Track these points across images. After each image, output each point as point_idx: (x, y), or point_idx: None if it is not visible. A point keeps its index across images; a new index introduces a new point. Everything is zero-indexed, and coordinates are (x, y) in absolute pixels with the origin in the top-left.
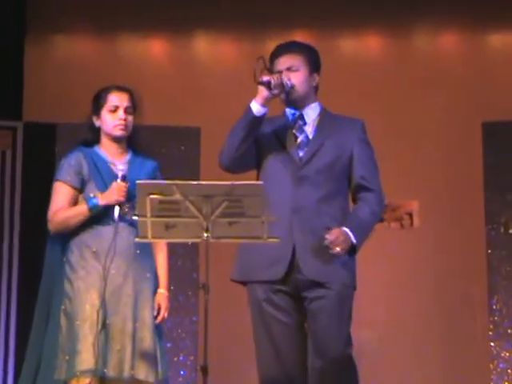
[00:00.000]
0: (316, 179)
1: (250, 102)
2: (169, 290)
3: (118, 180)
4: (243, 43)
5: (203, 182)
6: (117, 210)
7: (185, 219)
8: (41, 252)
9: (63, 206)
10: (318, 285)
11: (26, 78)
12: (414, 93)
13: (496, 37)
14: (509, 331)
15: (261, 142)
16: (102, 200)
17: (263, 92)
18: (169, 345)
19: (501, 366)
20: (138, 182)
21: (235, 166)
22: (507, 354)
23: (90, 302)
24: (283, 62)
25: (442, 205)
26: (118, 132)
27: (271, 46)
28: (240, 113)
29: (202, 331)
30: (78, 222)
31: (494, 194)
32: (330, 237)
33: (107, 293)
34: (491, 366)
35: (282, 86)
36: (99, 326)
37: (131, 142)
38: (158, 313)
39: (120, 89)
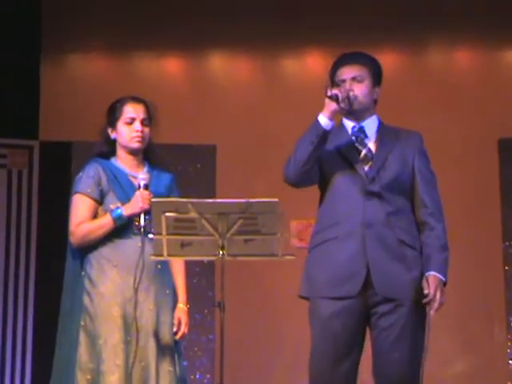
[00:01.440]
0: (384, 194)
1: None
2: (187, 305)
3: (141, 189)
4: (257, 61)
5: (218, 200)
6: (142, 218)
7: (200, 237)
8: (58, 270)
9: (86, 219)
10: (389, 301)
11: (41, 98)
12: (429, 110)
13: (511, 53)
14: None
15: (322, 156)
16: (126, 210)
17: (331, 105)
18: (185, 363)
19: None
20: (152, 200)
21: (301, 181)
22: None
23: (112, 319)
24: (349, 72)
25: (460, 222)
26: (135, 144)
27: (284, 63)
28: (255, 130)
29: (219, 349)
30: (102, 234)
31: (511, 210)
32: (430, 293)
33: (130, 308)
34: (509, 383)
35: (348, 99)
36: (123, 345)
37: (147, 154)
38: (179, 328)
39: (136, 100)
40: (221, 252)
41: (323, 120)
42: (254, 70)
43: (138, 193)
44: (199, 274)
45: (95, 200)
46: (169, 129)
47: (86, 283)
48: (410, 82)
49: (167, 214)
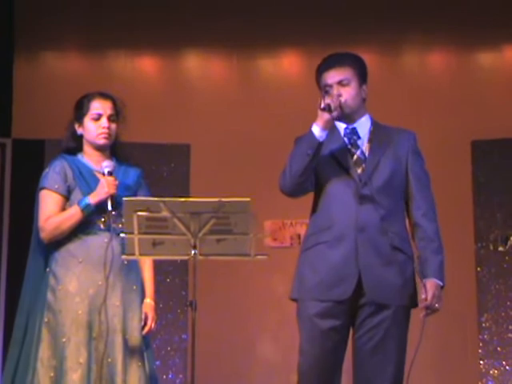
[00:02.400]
0: (377, 197)
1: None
2: (155, 300)
3: (106, 175)
4: (232, 60)
5: (190, 199)
6: (109, 204)
7: (172, 236)
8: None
9: (54, 213)
10: (377, 304)
11: (14, 95)
12: (402, 111)
13: (484, 55)
14: (498, 349)
15: (318, 163)
16: (93, 198)
17: (324, 116)
18: (158, 363)
19: (490, 383)
20: (124, 198)
21: (297, 192)
22: (496, 372)
23: (75, 317)
24: (334, 76)
25: None
26: (102, 141)
27: (260, 62)
28: (229, 129)
29: (190, 349)
30: (71, 225)
31: (484, 212)
32: (428, 298)
33: (95, 304)
34: (480, 383)
35: (340, 106)
36: (86, 341)
37: (115, 150)
38: (145, 323)
39: (103, 96)
40: (193, 251)
41: (317, 131)
42: (229, 69)
43: (102, 179)
44: (172, 273)
45: (63, 195)
46: (143, 128)
47: (51, 280)
48: (383, 83)
49: (139, 213)
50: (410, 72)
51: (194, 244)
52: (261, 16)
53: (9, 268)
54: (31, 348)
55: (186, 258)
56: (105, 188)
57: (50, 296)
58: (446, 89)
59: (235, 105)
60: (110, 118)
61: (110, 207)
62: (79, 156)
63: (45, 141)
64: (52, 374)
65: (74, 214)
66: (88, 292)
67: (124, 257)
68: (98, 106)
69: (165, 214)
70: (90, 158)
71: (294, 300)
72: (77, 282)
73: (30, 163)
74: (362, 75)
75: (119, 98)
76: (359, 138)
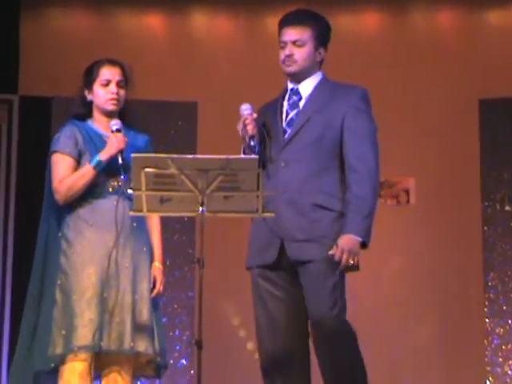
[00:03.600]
0: (300, 157)
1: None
2: (164, 264)
3: (114, 132)
4: (240, 18)
5: (198, 156)
6: (120, 159)
7: (180, 193)
8: (36, 226)
9: (67, 175)
10: (305, 262)
11: (21, 52)
12: (411, 69)
13: (493, 13)
14: (504, 307)
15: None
16: (103, 155)
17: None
18: (164, 320)
19: (495, 342)
20: (132, 155)
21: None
22: (501, 330)
23: (87, 276)
24: (290, 34)
25: (439, 182)
26: (110, 106)
27: (267, 21)
28: (236, 87)
29: (197, 306)
30: (84, 184)
31: (491, 171)
32: (336, 254)
33: (106, 265)
34: (486, 342)
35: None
36: (96, 300)
37: (123, 115)
38: (154, 286)
39: (112, 62)
40: (200, 208)
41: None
42: (237, 27)
43: (111, 135)
44: (179, 231)
45: (74, 158)
46: (149, 85)
47: (63, 244)
48: (391, 42)
49: (147, 169)
50: (418, 30)
51: (202, 201)
52: None
53: (16, 227)
54: (48, 310)
55: (193, 214)
56: (114, 143)
57: (62, 259)
58: (453, 47)
59: (242, 63)
60: (118, 84)
61: (120, 161)
62: (89, 122)
63: (52, 98)
64: (64, 332)
65: (86, 172)
66: (99, 253)
67: (131, 213)
68: (107, 73)
69: (172, 170)
70: (99, 124)
71: (247, 269)
72: (88, 245)
73: (37, 120)
74: (320, 37)
75: (128, 63)
76: (300, 98)
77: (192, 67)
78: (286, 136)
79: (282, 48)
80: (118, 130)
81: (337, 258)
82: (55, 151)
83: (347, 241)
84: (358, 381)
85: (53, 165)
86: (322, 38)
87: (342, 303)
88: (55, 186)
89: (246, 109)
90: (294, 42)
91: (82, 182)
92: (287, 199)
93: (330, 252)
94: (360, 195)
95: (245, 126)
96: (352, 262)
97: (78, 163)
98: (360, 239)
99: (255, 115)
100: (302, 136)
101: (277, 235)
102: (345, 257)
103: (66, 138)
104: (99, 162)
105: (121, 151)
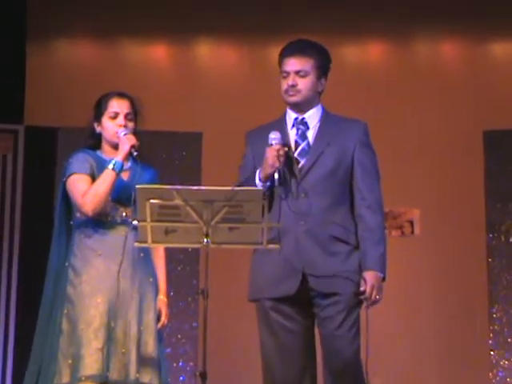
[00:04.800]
0: (318, 189)
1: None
2: (168, 296)
3: (122, 134)
4: (244, 48)
5: (203, 187)
6: (135, 152)
7: (185, 224)
8: (41, 256)
9: (89, 189)
10: (327, 295)
11: (27, 82)
12: (415, 100)
13: (497, 45)
14: (509, 340)
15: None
16: (118, 156)
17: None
18: (168, 350)
19: (500, 374)
20: (137, 186)
21: None
22: (506, 363)
23: (94, 305)
24: (293, 64)
25: (444, 213)
26: (117, 139)
27: (271, 51)
28: (241, 118)
29: (201, 337)
30: (107, 188)
31: (496, 202)
32: (367, 289)
33: (113, 295)
34: (490, 374)
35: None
36: (104, 330)
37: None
38: (159, 319)
39: (120, 95)
40: (205, 240)
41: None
42: (241, 57)
43: (121, 137)
44: (183, 262)
45: (92, 177)
46: (154, 115)
47: (70, 273)
48: (395, 72)
49: (152, 200)
50: (422, 61)
51: (207, 232)
52: (272, 4)
53: (21, 258)
54: (55, 339)
55: (198, 246)
56: (126, 142)
57: (69, 289)
58: (458, 79)
59: (247, 93)
60: (127, 117)
61: (135, 153)
62: (98, 152)
63: (58, 128)
64: (70, 361)
65: (106, 176)
66: (106, 283)
67: (136, 244)
68: (116, 105)
69: (177, 202)
70: (108, 155)
71: (251, 301)
72: (96, 274)
73: (43, 150)
74: (322, 68)
75: (136, 97)
76: (308, 128)
77: (197, 98)
78: (301, 166)
79: (285, 78)
80: (125, 134)
81: (368, 294)
82: (72, 173)
83: (373, 277)
84: None
85: (71, 186)
86: (324, 68)
87: (359, 338)
88: (79, 202)
89: (275, 138)
90: (297, 72)
91: (104, 185)
92: (306, 230)
93: (362, 289)
94: (376, 230)
95: (279, 156)
96: (378, 298)
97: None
98: (382, 275)
99: (287, 148)
100: (317, 168)
101: (297, 266)
102: (374, 293)
103: (79, 162)
104: (116, 163)
105: (133, 147)
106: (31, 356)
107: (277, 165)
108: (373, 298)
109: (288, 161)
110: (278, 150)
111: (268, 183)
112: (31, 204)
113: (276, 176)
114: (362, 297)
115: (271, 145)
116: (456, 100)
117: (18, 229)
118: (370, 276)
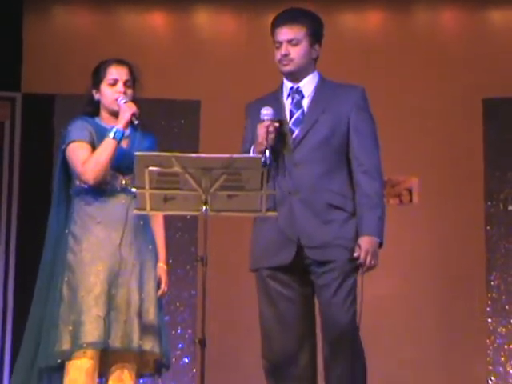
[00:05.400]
0: (312, 157)
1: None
2: (167, 263)
3: (122, 102)
4: (243, 16)
5: (202, 155)
6: (135, 120)
7: (184, 192)
8: (40, 222)
9: (89, 157)
10: (322, 263)
11: (24, 49)
12: (414, 68)
13: (496, 13)
14: (506, 307)
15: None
16: (119, 124)
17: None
18: (167, 318)
19: (498, 341)
20: (136, 153)
21: None
22: (504, 330)
23: (94, 273)
24: (284, 33)
25: (442, 182)
26: (117, 106)
27: (269, 19)
28: (239, 86)
29: (200, 304)
30: (108, 156)
31: (494, 171)
32: (361, 255)
33: (113, 263)
34: (488, 341)
35: (267, 144)
36: (104, 297)
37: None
38: (158, 286)
39: (119, 62)
40: (204, 207)
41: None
42: (240, 25)
43: (121, 104)
44: (181, 229)
45: (92, 145)
46: (153, 83)
47: (70, 240)
48: (394, 40)
49: (151, 168)
50: (422, 29)
51: (206, 200)
52: None
53: (19, 226)
54: (55, 307)
55: (197, 213)
56: (126, 109)
57: (70, 256)
58: (457, 46)
59: (245, 61)
60: (125, 84)
61: (136, 122)
62: (96, 119)
63: (55, 95)
64: (71, 328)
65: (107, 145)
66: (107, 251)
67: (135, 211)
68: (114, 72)
69: (176, 169)
70: (106, 123)
71: (252, 271)
72: (96, 242)
73: (40, 118)
74: (314, 35)
75: (135, 64)
76: (303, 97)
77: (195, 65)
78: (295, 136)
79: (278, 48)
80: (126, 102)
81: (362, 259)
82: (71, 141)
83: (368, 242)
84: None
85: (71, 154)
86: (317, 34)
87: (356, 304)
88: (80, 170)
89: (267, 114)
90: (289, 41)
91: (105, 154)
92: (301, 199)
93: (356, 254)
94: (372, 195)
95: (268, 133)
96: (373, 263)
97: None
98: (378, 240)
99: (277, 124)
100: (311, 137)
101: (291, 236)
102: (369, 258)
103: (78, 129)
104: (117, 131)
105: (134, 115)
106: (28, 324)
107: (265, 143)
108: (367, 263)
109: (280, 136)
110: (267, 127)
111: (267, 154)
112: (29, 170)
113: (267, 154)
114: (358, 262)
115: (263, 120)
116: (455, 67)
117: (16, 195)
118: (364, 241)
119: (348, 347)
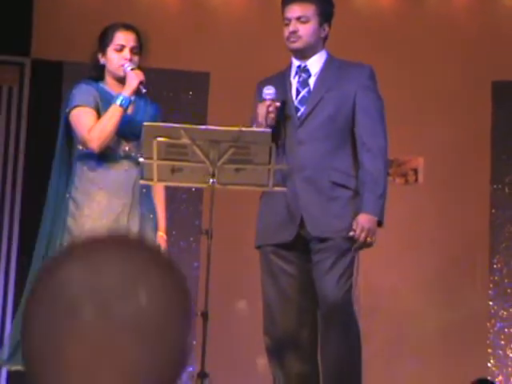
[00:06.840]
0: (316, 135)
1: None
2: (168, 233)
3: (129, 68)
4: None
5: (211, 127)
6: (143, 89)
7: (191, 164)
8: (45, 188)
9: (94, 123)
10: (322, 240)
11: (35, 14)
12: (424, 49)
13: None
14: (508, 291)
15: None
16: (125, 91)
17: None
18: None
19: (498, 324)
20: (144, 123)
21: None
22: (505, 313)
23: None
24: (294, 11)
25: (448, 162)
26: (123, 72)
27: None
28: (249, 59)
29: (203, 276)
30: (114, 123)
31: (501, 153)
32: (356, 232)
33: (114, 230)
34: (488, 324)
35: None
36: None
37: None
38: None
39: (127, 27)
40: (211, 180)
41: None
42: None
43: (128, 71)
44: (186, 202)
45: (97, 111)
46: (162, 54)
47: (71, 205)
48: (406, 21)
49: (159, 138)
50: (431, 10)
51: (213, 172)
52: None
53: (24, 189)
54: None
55: (204, 185)
56: (134, 77)
57: (70, 220)
58: (467, 28)
59: (256, 34)
60: (132, 50)
61: (143, 90)
62: (101, 84)
63: (64, 62)
64: None
65: (114, 112)
66: (108, 217)
67: (142, 181)
68: (122, 38)
69: (184, 140)
70: (111, 88)
71: (256, 248)
72: (97, 208)
73: (49, 83)
74: (324, 14)
75: (143, 30)
76: (310, 75)
77: (205, 37)
78: (300, 114)
79: (286, 25)
80: (133, 69)
81: (357, 236)
82: (75, 106)
83: (366, 220)
84: (355, 361)
85: (75, 119)
86: (326, 14)
87: (352, 281)
88: (85, 136)
89: (268, 93)
90: (298, 19)
91: (112, 121)
92: (305, 177)
93: (351, 233)
94: (374, 173)
95: (268, 113)
96: (370, 241)
97: (99, 117)
98: (377, 218)
99: (278, 104)
100: (316, 115)
101: (295, 213)
102: (363, 235)
103: (83, 93)
104: (124, 98)
105: (142, 83)
106: (26, 287)
107: (264, 123)
108: (361, 239)
109: (282, 115)
110: (267, 106)
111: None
112: (36, 135)
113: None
114: (356, 241)
115: (264, 100)
116: (466, 49)
117: (22, 159)
118: (362, 218)
119: (340, 323)
